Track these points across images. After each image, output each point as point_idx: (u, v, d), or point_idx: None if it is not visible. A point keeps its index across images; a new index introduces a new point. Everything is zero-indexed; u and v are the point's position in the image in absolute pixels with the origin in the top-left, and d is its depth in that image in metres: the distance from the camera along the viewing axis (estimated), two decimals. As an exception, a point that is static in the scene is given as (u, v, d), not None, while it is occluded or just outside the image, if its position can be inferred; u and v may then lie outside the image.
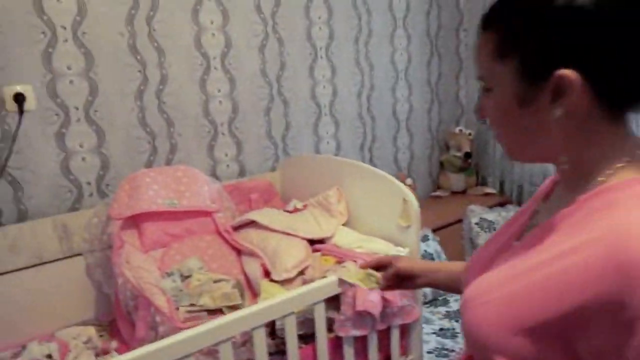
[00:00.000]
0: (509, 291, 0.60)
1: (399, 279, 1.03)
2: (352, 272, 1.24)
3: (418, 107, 3.00)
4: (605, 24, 0.55)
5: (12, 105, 1.72)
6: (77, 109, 1.86)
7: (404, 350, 1.81)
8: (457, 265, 0.98)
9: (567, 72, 0.56)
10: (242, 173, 2.33)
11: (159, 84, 2.03)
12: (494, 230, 2.61)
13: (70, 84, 1.83)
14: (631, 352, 0.48)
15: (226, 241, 1.91)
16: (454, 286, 0.92)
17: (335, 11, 2.52)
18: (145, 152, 2.04)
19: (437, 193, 3.05)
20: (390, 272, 1.03)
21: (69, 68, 1.82)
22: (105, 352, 1.65)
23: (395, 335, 1.74)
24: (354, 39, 2.63)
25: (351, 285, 1.55)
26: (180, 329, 1.50)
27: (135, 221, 1.81)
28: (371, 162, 2.82)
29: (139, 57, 1.96)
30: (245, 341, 1.61)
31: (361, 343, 1.68)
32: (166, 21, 2.00)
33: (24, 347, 1.57)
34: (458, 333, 2.19)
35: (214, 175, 2.22)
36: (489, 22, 0.63)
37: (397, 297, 1.63)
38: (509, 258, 0.65)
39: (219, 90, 2.19)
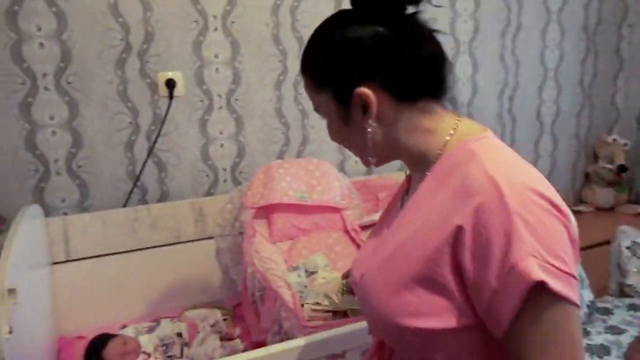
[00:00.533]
0: (393, 262, 0.72)
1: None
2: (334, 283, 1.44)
3: (566, 110, 2.69)
4: (373, 45, 0.70)
5: (164, 90, 1.81)
6: (220, 96, 1.91)
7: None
8: None
9: (361, 89, 0.71)
10: (369, 170, 2.26)
11: (297, 75, 2.02)
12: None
13: (216, 72, 1.88)
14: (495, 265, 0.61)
15: (353, 240, 1.86)
16: None
17: (482, 3, 2.33)
18: (278, 142, 2.05)
19: (580, 208, 2.73)
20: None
21: (216, 56, 1.87)
22: (230, 337, 1.68)
23: None
24: (501, 32, 2.42)
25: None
26: (305, 328, 1.48)
27: (266, 211, 1.82)
28: (506, 167, 2.60)
29: (280, 47, 1.96)
30: (366, 350, 1.55)
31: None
32: (309, 12, 1.98)
33: (157, 322, 1.64)
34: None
35: (342, 170, 2.18)
36: (303, 65, 0.79)
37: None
38: (380, 245, 0.79)
39: (355, 84, 2.13)
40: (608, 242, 2.42)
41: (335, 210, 1.88)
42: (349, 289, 1.28)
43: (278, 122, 2.03)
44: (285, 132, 2.05)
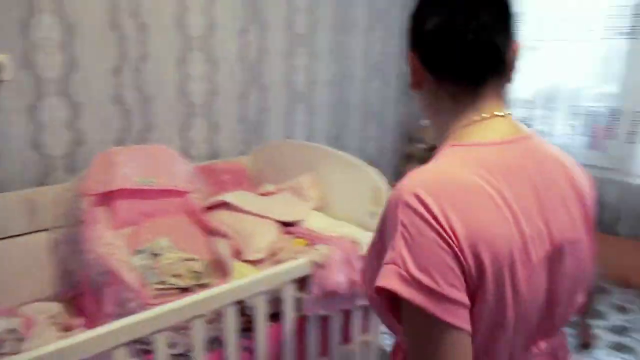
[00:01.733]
0: None
1: None
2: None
3: (388, 100, 3.07)
4: (418, 22, 0.75)
5: (-16, 74, 1.68)
6: (52, 81, 1.83)
7: (364, 330, 1.90)
8: None
9: (410, 54, 0.76)
10: (214, 155, 2.34)
11: (138, 61, 2.02)
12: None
13: (47, 55, 1.80)
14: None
15: (198, 222, 1.93)
16: None
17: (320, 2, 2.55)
18: (119, 128, 2.03)
19: (403, 184, 3.15)
20: None
21: (46, 39, 1.79)
22: (69, 328, 1.65)
23: (357, 316, 1.81)
24: (330, 27, 2.67)
25: (320, 266, 1.61)
26: (149, 306, 1.53)
27: (107, 198, 1.81)
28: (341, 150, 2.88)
29: (119, 34, 1.95)
30: (214, 319, 1.65)
31: (325, 322, 1.74)
32: (146, -2, 1.99)
33: (-13, 320, 1.55)
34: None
35: (187, 155, 2.23)
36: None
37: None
38: None
39: (198, 71, 2.19)
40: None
41: (180, 194, 1.94)
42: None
43: (118, 108, 2.01)
44: (126, 118, 2.04)
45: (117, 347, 1.21)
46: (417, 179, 0.66)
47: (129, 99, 2.03)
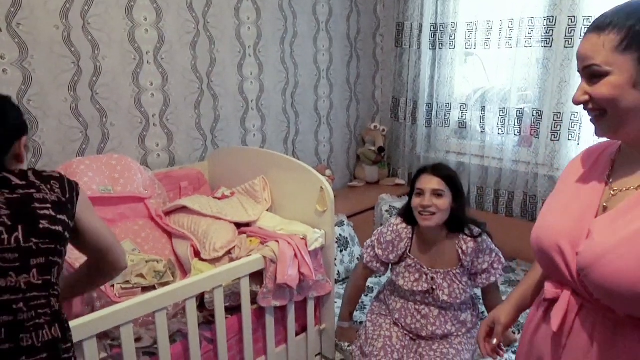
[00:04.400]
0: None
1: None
2: None
3: (338, 104, 3.26)
4: None
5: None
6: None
7: (318, 320, 2.08)
8: (528, 287, 1.19)
9: None
10: (172, 163, 2.47)
11: (93, 76, 2.12)
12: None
13: (4, 73, 1.89)
14: None
15: (158, 225, 2.06)
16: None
17: (263, 13, 2.71)
18: (77, 140, 2.13)
19: (354, 183, 3.35)
20: (500, 330, 1.18)
21: (2, 57, 1.88)
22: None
23: (310, 306, 1.99)
24: (280, 39, 2.83)
25: (272, 261, 1.78)
26: (115, 303, 1.66)
27: (70, 206, 1.91)
28: (294, 154, 3.05)
29: (73, 50, 2.05)
30: (177, 313, 1.80)
31: (281, 313, 1.91)
32: (101, 15, 2.10)
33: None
34: (365, 306, 2.49)
35: (145, 164, 2.35)
36: (608, 25, 0.88)
37: (312, 272, 1.88)
38: (615, 219, 0.90)
39: (151, 84, 2.32)
40: (373, 208, 3.06)
41: (140, 199, 2.06)
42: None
43: (75, 122, 2.11)
44: (83, 131, 2.14)
45: (87, 339, 1.34)
46: None
47: (85, 112, 2.13)
